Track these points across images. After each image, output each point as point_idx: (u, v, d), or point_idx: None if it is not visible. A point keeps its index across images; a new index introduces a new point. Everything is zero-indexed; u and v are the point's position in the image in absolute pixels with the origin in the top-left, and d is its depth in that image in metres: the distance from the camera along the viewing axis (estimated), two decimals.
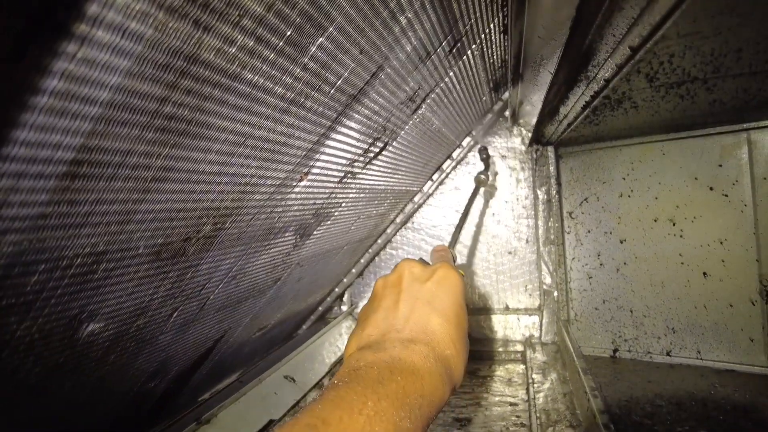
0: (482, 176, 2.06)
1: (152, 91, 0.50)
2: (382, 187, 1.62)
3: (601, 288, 2.09)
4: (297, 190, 1.03)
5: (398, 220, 2.41)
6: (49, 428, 0.90)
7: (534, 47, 1.05)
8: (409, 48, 0.94)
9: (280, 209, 1.02)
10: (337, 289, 2.51)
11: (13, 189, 0.44)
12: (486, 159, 2.14)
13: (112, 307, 0.74)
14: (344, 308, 2.72)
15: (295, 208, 1.09)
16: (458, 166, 2.40)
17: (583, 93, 1.00)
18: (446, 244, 1.20)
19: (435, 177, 2.35)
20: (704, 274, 1.82)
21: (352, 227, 1.71)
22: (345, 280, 2.51)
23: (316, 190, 1.12)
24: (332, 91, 0.82)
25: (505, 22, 1.09)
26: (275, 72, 0.65)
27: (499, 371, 2.19)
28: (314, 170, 1.03)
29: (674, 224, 1.88)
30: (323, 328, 2.42)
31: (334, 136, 0.97)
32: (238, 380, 1.70)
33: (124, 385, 1.03)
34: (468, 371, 2.22)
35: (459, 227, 1.50)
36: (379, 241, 2.46)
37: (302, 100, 0.76)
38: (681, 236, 1.86)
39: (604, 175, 2.00)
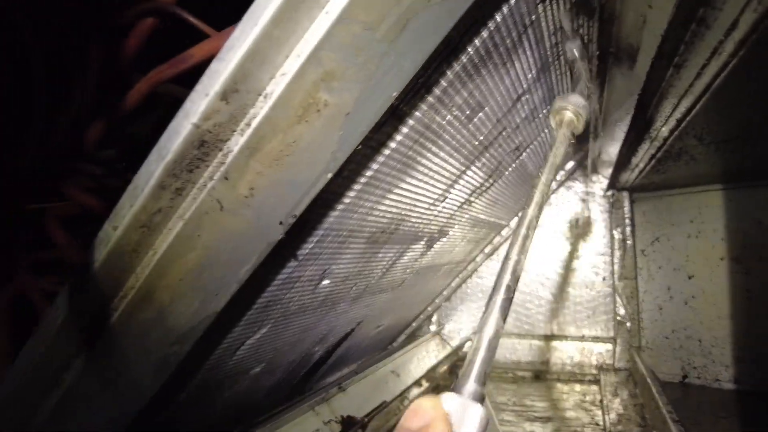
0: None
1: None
2: (483, 217, 2.04)
3: (671, 319, 2.34)
4: (437, 210, 1.47)
5: (486, 250, 2.80)
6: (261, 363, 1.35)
7: (611, 112, 1.46)
8: (523, 114, 1.38)
9: (426, 221, 1.46)
10: (429, 308, 2.90)
11: None
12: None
13: (339, 270, 1.20)
14: (432, 328, 3.10)
15: (433, 223, 1.53)
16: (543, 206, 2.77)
17: (648, 148, 1.38)
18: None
19: (521, 214, 2.73)
20: None
21: (456, 248, 2.13)
22: (437, 301, 2.91)
23: (446, 212, 1.56)
24: (476, 143, 1.27)
25: (589, 93, 1.51)
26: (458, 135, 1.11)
27: (576, 388, 2.47)
28: (450, 196, 1.47)
29: (740, 263, 2.13)
30: (416, 341, 2.82)
31: (467, 173, 1.41)
32: (356, 370, 2.12)
33: (308, 339, 1.48)
34: (545, 387, 2.52)
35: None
36: (469, 268, 2.85)
37: (461, 149, 1.22)
38: (747, 273, 2.12)
39: (674, 218, 2.30)
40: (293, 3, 0.55)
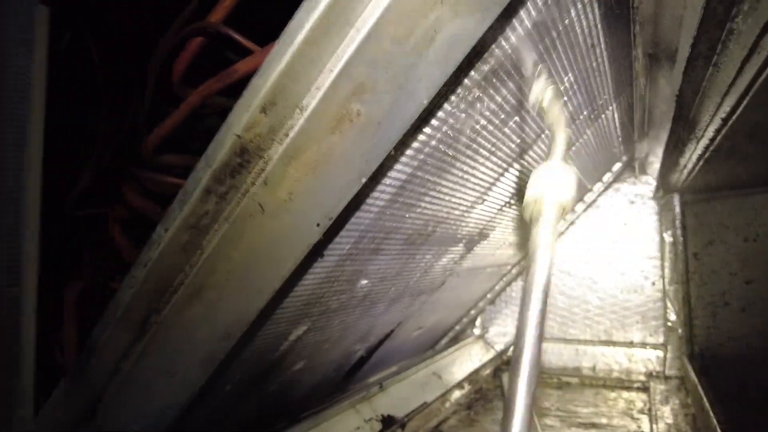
0: None
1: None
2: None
3: (726, 326, 2.24)
4: (475, 212, 1.49)
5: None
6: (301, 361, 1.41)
7: (656, 112, 1.43)
8: (566, 114, 1.37)
9: (464, 224, 1.48)
10: (472, 312, 2.90)
11: None
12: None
13: (376, 270, 1.24)
14: (476, 331, 3.10)
15: (471, 225, 1.55)
16: (588, 209, 2.72)
17: (695, 148, 1.34)
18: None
19: (567, 217, 2.69)
20: None
21: (498, 250, 2.13)
22: (480, 304, 2.90)
23: (485, 214, 1.57)
24: (514, 145, 1.28)
25: (630, 100, 1.49)
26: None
27: (624, 395, 2.40)
28: (488, 199, 1.49)
29: None
30: (459, 344, 2.82)
31: (505, 175, 1.42)
32: (398, 371, 2.16)
33: (349, 337, 1.53)
34: (591, 394, 2.46)
35: None
36: (513, 271, 2.83)
37: (497, 152, 1.23)
38: None
39: (729, 221, 2.21)
40: (325, 23, 0.60)
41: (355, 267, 1.15)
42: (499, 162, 1.30)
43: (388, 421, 1.79)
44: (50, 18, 1.00)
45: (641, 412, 2.22)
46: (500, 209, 1.64)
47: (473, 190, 1.33)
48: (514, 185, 1.55)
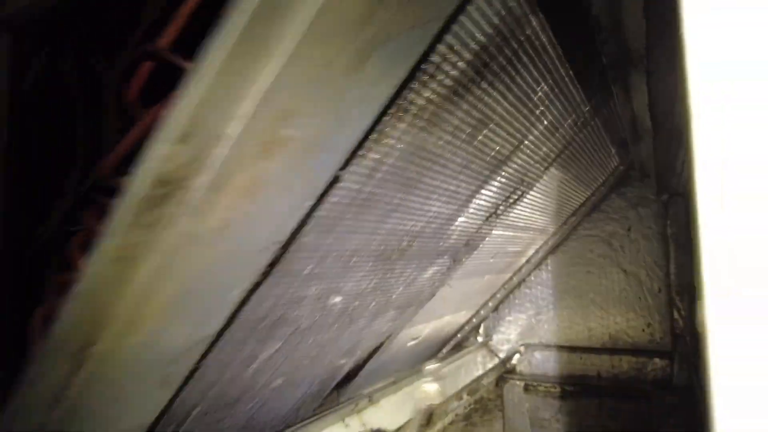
0: None
1: None
2: (522, 224, 1.98)
3: None
4: (455, 225, 1.46)
5: (533, 260, 2.72)
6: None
7: (642, 117, 1.38)
8: (545, 123, 1.34)
9: (444, 237, 1.45)
10: (474, 320, 2.86)
11: None
12: None
13: (349, 287, 1.22)
14: (480, 339, 3.05)
15: (454, 237, 1.52)
16: (593, 213, 2.66)
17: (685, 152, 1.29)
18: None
19: (569, 222, 2.62)
20: None
21: (491, 260, 2.09)
22: (482, 312, 2.86)
23: (468, 226, 1.54)
24: (489, 158, 1.25)
25: (616, 108, 1.44)
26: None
27: (627, 405, 2.33)
28: (469, 212, 1.46)
29: None
30: (463, 352, 2.78)
31: (486, 186, 1.39)
32: (394, 381, 2.13)
33: (330, 353, 1.52)
34: (596, 404, 2.40)
35: None
36: (514, 279, 2.78)
37: (470, 165, 1.20)
38: None
39: None
40: (241, 50, 0.58)
41: (323, 286, 1.13)
42: (475, 175, 1.27)
43: None
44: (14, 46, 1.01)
45: (649, 412, 2.15)
46: (486, 220, 1.61)
47: (449, 203, 1.30)
48: (497, 196, 1.51)
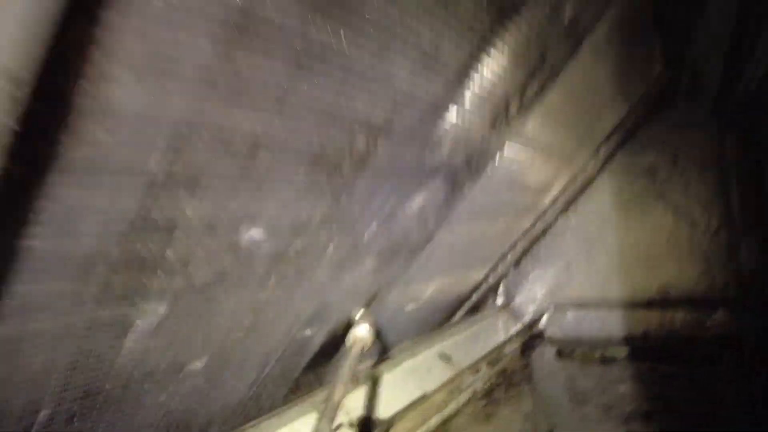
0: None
1: None
2: (544, 141, 1.50)
3: None
4: (447, 125, 0.99)
5: (560, 201, 2.23)
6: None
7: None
8: None
9: (431, 143, 0.99)
10: (491, 278, 2.39)
11: None
12: None
13: (272, 213, 0.77)
14: (499, 301, 2.59)
15: (445, 146, 1.05)
16: (628, 141, 2.16)
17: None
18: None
19: (601, 151, 2.12)
20: None
21: (505, 195, 1.62)
22: (500, 268, 2.39)
23: (467, 130, 1.07)
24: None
25: None
26: None
27: (683, 372, 1.86)
28: (466, 103, 0.98)
29: None
30: (479, 317, 2.33)
31: (487, 54, 0.91)
32: (389, 356, 1.69)
33: (281, 320, 1.08)
34: (645, 370, 1.93)
35: None
36: (538, 225, 2.29)
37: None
38: None
39: None
40: None
41: (210, 204, 0.68)
42: (468, 25, 0.80)
43: (364, 426, 1.34)
44: None
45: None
46: (493, 124, 1.13)
47: (430, 76, 0.83)
48: (506, 79, 1.03)
